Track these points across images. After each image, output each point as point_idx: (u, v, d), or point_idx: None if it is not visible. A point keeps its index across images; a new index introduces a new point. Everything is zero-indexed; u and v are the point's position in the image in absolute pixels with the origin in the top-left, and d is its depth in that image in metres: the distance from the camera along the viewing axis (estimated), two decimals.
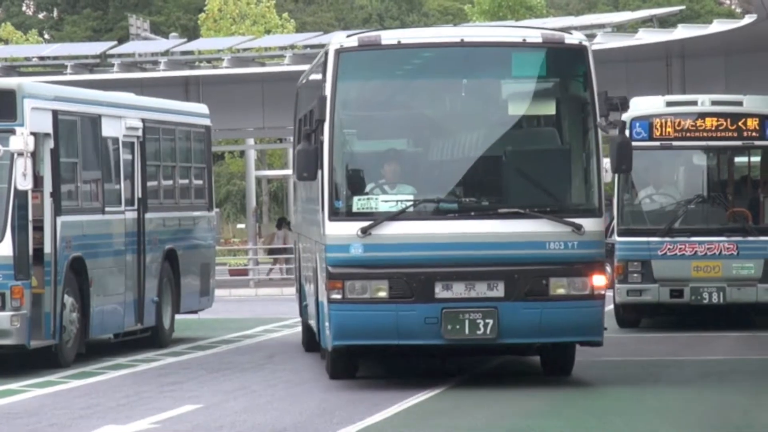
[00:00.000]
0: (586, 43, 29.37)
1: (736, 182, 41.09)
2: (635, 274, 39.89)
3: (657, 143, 40.17)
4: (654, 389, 23.93)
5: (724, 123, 40.32)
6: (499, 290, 28.55)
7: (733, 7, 77.87)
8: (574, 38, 29.88)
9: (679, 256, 39.11)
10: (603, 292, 27.94)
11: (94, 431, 23.50)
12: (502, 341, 28.81)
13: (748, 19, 53.89)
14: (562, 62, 29.97)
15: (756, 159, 41.36)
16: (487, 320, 28.15)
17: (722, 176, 40.92)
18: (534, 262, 28.68)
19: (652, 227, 39.99)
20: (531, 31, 30.44)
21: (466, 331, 28.13)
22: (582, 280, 28.46)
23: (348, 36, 30.08)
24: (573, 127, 29.94)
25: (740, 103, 41.07)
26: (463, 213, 28.99)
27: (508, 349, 32.34)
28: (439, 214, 28.99)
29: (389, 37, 30.08)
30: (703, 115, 40.57)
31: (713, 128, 40.43)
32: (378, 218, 28.54)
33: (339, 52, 29.12)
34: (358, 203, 29.12)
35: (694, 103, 41.70)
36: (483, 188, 29.86)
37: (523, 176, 29.75)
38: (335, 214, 28.77)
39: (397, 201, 28.90)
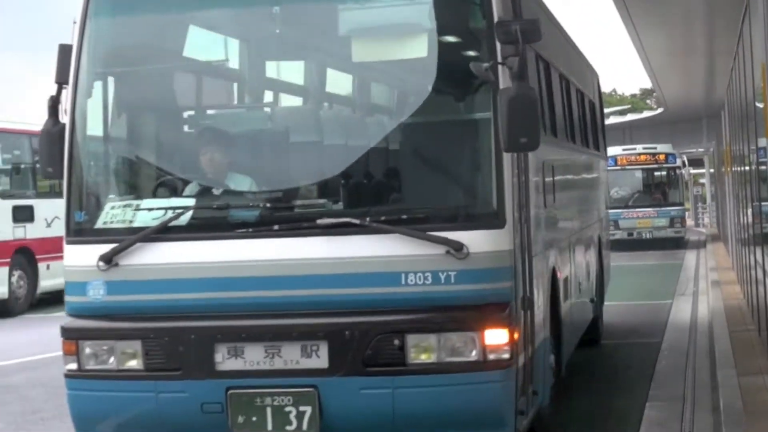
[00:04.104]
0: None
1: (655, 184, 40.75)
2: (612, 226, 37.97)
3: (619, 167, 39.47)
4: (620, 276, 23.47)
5: (649, 157, 40.31)
6: (320, 357, 7.71)
7: (654, 105, 77.44)
8: None
9: (630, 217, 38.76)
10: (508, 355, 7.59)
11: None
12: None
13: (660, 110, 53.45)
14: None
15: (664, 173, 40.75)
16: (301, 408, 7.68)
17: (648, 181, 40.66)
18: (380, 308, 7.69)
19: (619, 205, 38.46)
20: None
21: (269, 426, 7.68)
22: (464, 337, 7.61)
23: None
24: (456, 81, 8.11)
25: (655, 148, 40.87)
26: (262, 228, 7.89)
27: None
28: (225, 230, 7.96)
29: None
30: (639, 154, 40.65)
31: (644, 160, 40.48)
32: (127, 239, 7.98)
33: None
34: (106, 215, 8.21)
35: (635, 149, 41.31)
36: (297, 187, 8.24)
37: (366, 165, 8.22)
38: (76, 233, 8.22)
39: (164, 209, 8.07)
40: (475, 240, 7.61)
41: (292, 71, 9.32)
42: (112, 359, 8.03)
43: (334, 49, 8.69)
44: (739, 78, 17.23)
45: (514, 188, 7.82)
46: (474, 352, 7.58)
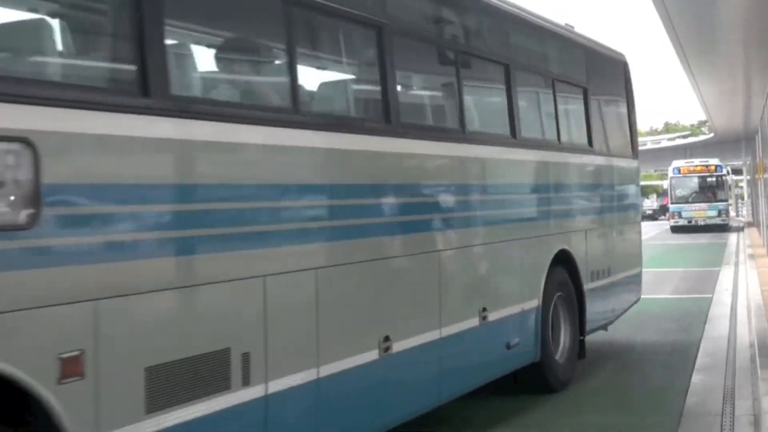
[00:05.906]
0: None
1: (708, 186, 39.21)
2: (676, 216, 37.32)
3: (682, 175, 38.68)
4: (682, 250, 22.69)
5: (703, 167, 38.96)
6: None
7: (707, 131, 74.90)
8: None
9: (690, 210, 37.78)
10: None
11: None
12: None
13: (711, 135, 51.58)
14: None
15: (714, 179, 38.87)
16: None
17: (703, 185, 39.19)
18: None
19: (681, 201, 37.85)
20: None
21: None
22: None
23: None
24: None
25: (708, 161, 39.53)
26: None
27: None
28: None
29: None
30: (696, 165, 39.49)
31: (700, 170, 39.11)
32: None
33: None
34: None
35: (693, 162, 39.88)
36: None
37: None
38: None
39: None
40: None
41: None
42: None
43: None
44: None
45: None
46: None
